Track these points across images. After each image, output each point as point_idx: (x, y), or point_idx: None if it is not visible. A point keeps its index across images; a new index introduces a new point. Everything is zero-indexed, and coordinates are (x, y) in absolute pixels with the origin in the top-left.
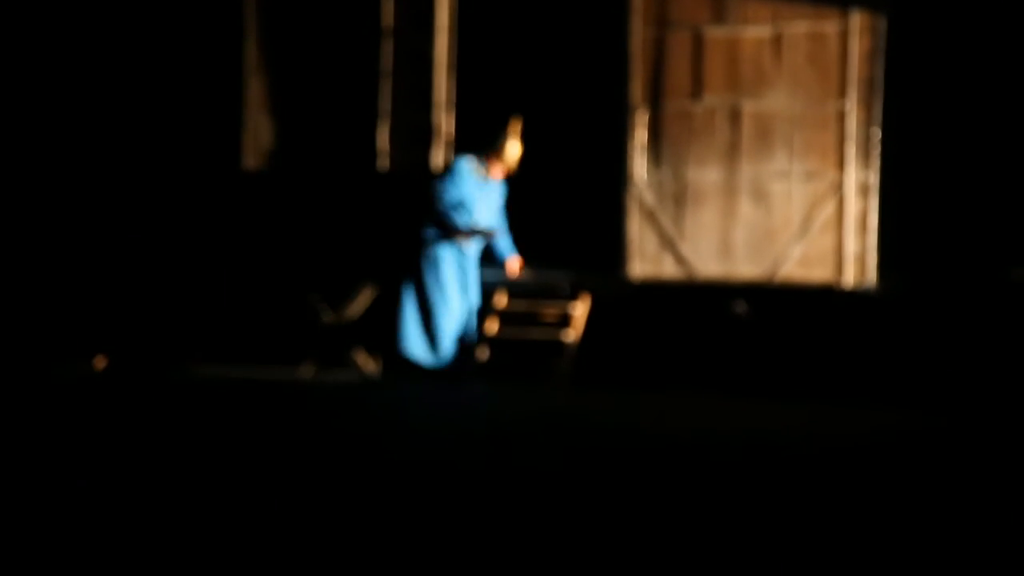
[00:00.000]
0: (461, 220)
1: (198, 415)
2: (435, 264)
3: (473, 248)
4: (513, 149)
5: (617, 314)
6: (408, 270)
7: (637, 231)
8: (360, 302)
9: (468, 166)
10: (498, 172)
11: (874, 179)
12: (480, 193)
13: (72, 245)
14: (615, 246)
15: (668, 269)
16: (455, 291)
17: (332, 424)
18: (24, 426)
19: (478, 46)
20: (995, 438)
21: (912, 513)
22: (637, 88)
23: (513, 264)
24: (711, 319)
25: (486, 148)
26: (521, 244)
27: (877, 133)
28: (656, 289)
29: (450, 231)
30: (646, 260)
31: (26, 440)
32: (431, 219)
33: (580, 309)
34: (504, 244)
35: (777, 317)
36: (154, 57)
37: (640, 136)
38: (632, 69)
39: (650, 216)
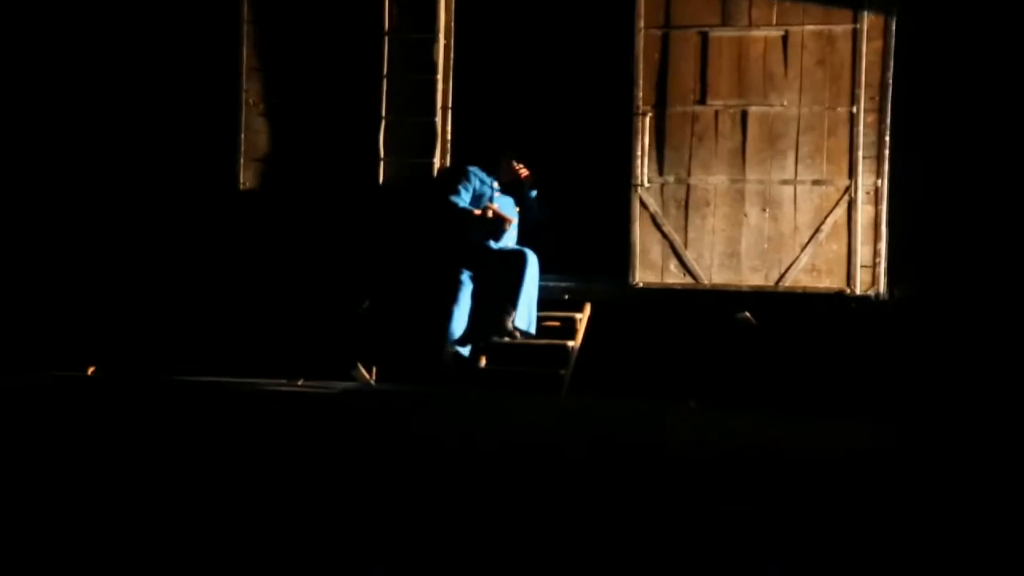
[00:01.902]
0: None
1: (192, 424)
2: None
3: (493, 236)
4: (514, 174)
5: (621, 321)
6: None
7: (641, 237)
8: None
9: (480, 173)
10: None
11: (884, 185)
12: (491, 198)
13: (63, 252)
14: (620, 253)
15: (673, 276)
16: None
17: (331, 433)
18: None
19: (481, 49)
20: (1009, 445)
21: (922, 525)
22: (642, 92)
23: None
24: (716, 326)
25: (492, 172)
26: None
27: (887, 138)
28: (661, 295)
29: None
30: (650, 267)
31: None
32: (445, 216)
33: (583, 316)
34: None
35: (783, 325)
36: (148, 60)
37: (645, 141)
38: (637, 73)
39: (655, 222)
